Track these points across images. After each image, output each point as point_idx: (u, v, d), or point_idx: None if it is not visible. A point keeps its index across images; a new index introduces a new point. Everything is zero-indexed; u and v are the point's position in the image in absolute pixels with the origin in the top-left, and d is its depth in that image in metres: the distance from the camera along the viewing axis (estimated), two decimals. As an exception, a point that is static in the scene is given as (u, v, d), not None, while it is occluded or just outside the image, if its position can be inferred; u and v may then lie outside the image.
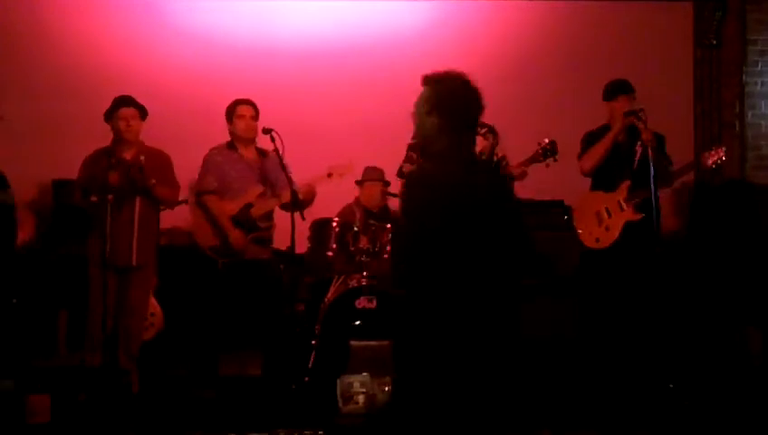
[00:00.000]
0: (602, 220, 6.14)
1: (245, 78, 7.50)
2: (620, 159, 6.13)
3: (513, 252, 3.54)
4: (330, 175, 6.24)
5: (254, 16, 7.80)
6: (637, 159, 5.96)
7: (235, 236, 6.16)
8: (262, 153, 6.34)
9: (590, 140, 6.27)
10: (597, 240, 6.16)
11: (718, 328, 6.90)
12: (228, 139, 6.36)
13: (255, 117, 6.30)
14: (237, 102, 6.32)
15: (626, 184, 6.06)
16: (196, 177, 6.38)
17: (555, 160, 5.95)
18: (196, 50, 7.74)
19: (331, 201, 6.90)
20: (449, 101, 3.60)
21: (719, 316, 6.96)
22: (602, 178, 6.21)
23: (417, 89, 6.13)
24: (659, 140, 6.16)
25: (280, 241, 6.33)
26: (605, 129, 6.23)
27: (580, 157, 6.27)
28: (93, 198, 5.83)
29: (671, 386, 5.67)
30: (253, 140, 6.33)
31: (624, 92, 6.18)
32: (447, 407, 3.43)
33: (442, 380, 3.44)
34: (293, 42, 7.77)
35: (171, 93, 7.54)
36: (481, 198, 3.54)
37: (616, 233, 6.08)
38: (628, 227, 6.03)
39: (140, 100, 6.12)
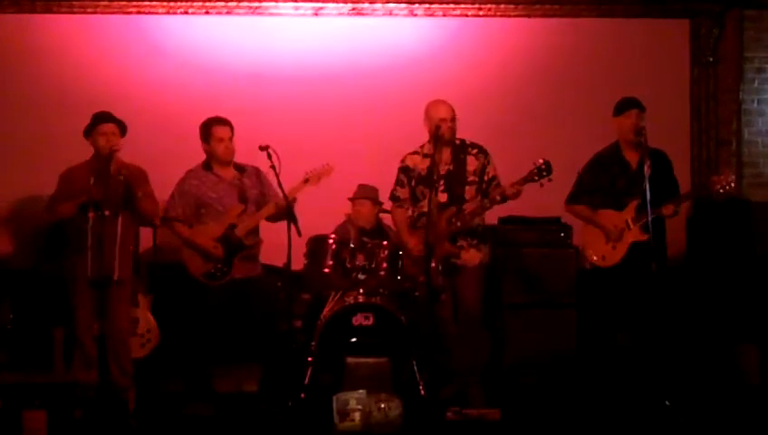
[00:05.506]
0: (609, 239, 6.14)
1: (238, 97, 7.48)
2: (629, 179, 6.09)
3: None
4: (306, 180, 6.17)
5: (249, 35, 7.79)
6: (646, 178, 5.85)
7: (218, 249, 6.13)
8: (240, 169, 6.27)
9: (595, 170, 6.23)
10: (603, 258, 6.15)
11: (714, 345, 6.90)
12: (204, 158, 6.30)
13: (232, 137, 6.23)
14: (213, 123, 6.23)
15: (634, 204, 6.01)
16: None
17: (550, 180, 5.81)
18: (191, 69, 7.67)
19: (328, 218, 6.91)
20: None
21: (715, 333, 6.96)
22: (611, 197, 6.17)
23: (414, 107, 6.24)
24: (665, 160, 6.15)
25: (277, 257, 6.33)
26: (614, 146, 6.21)
27: (571, 196, 6.29)
28: (90, 214, 5.82)
29: (667, 403, 5.67)
30: (231, 162, 6.28)
31: (633, 108, 6.11)
32: None
33: None
34: (286, 60, 7.71)
35: (164, 112, 7.53)
36: None
37: (622, 252, 6.06)
38: (635, 247, 5.99)
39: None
